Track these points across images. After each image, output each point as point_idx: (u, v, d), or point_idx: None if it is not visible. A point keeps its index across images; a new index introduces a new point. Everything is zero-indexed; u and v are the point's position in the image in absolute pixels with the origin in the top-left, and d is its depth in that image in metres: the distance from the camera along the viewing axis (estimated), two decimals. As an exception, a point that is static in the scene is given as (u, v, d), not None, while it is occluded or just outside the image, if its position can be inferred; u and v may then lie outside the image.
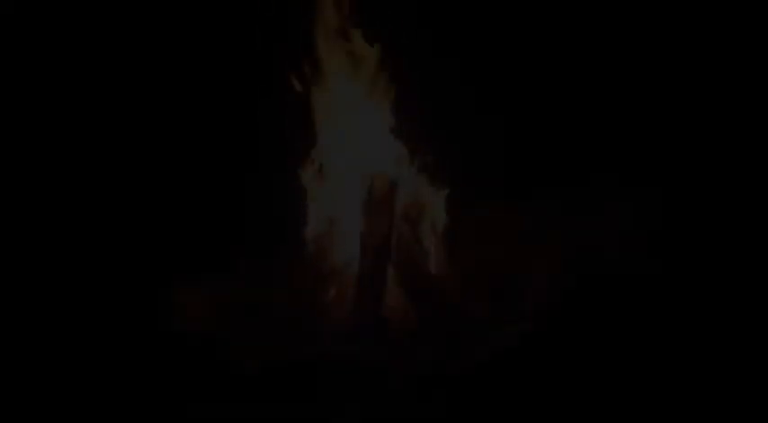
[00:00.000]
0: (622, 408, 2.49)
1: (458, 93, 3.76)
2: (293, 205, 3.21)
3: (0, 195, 3.44)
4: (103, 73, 3.68)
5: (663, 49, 3.70)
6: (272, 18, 3.52)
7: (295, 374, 2.65)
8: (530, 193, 3.64)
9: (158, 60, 3.70)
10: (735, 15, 3.61)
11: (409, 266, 3.03)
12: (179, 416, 2.55)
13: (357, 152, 3.14)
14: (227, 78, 3.74)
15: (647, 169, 3.49)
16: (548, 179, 3.68)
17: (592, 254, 3.20)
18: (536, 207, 3.58)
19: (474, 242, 3.46)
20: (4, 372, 2.71)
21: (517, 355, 2.72)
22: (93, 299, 3.05)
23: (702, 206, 3.33)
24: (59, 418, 2.55)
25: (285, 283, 3.35)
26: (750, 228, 3.22)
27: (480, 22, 3.77)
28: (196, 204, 3.61)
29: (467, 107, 3.76)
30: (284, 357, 2.73)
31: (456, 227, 3.19)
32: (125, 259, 3.30)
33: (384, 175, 3.00)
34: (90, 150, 3.62)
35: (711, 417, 2.46)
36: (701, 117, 3.62)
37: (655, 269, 3.06)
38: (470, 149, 3.66)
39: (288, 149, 3.20)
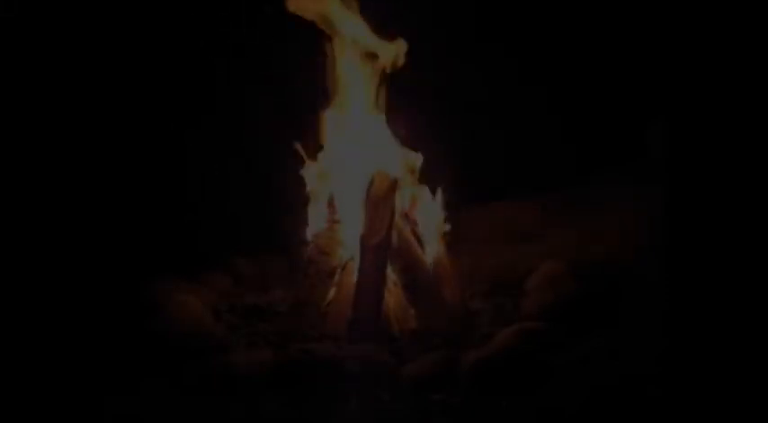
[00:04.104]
0: (622, 407, 2.49)
1: (458, 92, 3.76)
2: (294, 205, 3.21)
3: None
4: (104, 76, 3.68)
5: (665, 46, 3.69)
6: (277, 17, 3.53)
7: (294, 374, 2.65)
8: (530, 192, 3.64)
9: (158, 60, 3.70)
10: (736, 13, 3.60)
11: (409, 266, 3.03)
12: (178, 416, 2.55)
13: (358, 152, 3.14)
14: (229, 78, 3.74)
15: (648, 168, 3.48)
16: (548, 179, 3.68)
17: (593, 253, 3.20)
18: (536, 207, 3.59)
19: (474, 242, 3.47)
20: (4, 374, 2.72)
21: (518, 354, 2.71)
22: (91, 299, 3.05)
23: (706, 205, 3.32)
24: (58, 417, 2.55)
25: (285, 283, 3.36)
26: (755, 226, 3.21)
27: (479, 22, 3.78)
28: (196, 204, 3.61)
29: (467, 107, 3.77)
30: (284, 357, 2.72)
31: (456, 227, 3.19)
32: (123, 259, 3.30)
33: (384, 175, 3.00)
34: (90, 151, 3.62)
35: (712, 417, 2.46)
36: (703, 116, 3.61)
37: (657, 269, 3.05)
38: (470, 150, 3.66)
39: (288, 149, 3.20)
